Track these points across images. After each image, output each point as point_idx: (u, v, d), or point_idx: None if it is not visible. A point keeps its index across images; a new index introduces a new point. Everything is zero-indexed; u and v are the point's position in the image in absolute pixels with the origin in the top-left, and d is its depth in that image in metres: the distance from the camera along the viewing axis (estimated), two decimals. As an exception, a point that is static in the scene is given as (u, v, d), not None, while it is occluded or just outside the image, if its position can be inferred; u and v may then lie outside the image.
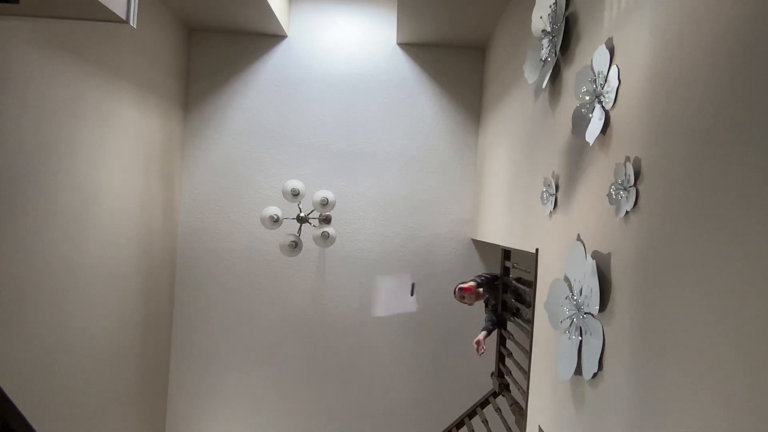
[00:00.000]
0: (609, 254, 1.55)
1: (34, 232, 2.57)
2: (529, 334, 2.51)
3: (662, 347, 1.21)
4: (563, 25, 2.02)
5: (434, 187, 4.46)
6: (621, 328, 1.44)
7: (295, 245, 3.97)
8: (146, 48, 3.64)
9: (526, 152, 2.72)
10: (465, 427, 3.87)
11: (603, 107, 1.61)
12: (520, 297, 3.14)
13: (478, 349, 3.39)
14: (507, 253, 3.53)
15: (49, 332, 2.74)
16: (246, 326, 4.44)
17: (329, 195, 4.04)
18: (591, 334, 1.59)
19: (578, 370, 1.65)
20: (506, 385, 3.51)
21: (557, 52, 2.06)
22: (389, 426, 4.46)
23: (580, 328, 1.65)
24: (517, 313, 3.21)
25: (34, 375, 2.65)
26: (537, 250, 2.38)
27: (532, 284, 2.47)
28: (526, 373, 2.57)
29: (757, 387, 0.89)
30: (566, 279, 1.81)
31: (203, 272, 4.42)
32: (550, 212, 2.15)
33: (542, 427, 2.18)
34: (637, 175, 1.39)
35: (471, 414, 3.87)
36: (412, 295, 3.72)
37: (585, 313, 1.63)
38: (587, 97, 1.69)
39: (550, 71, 2.13)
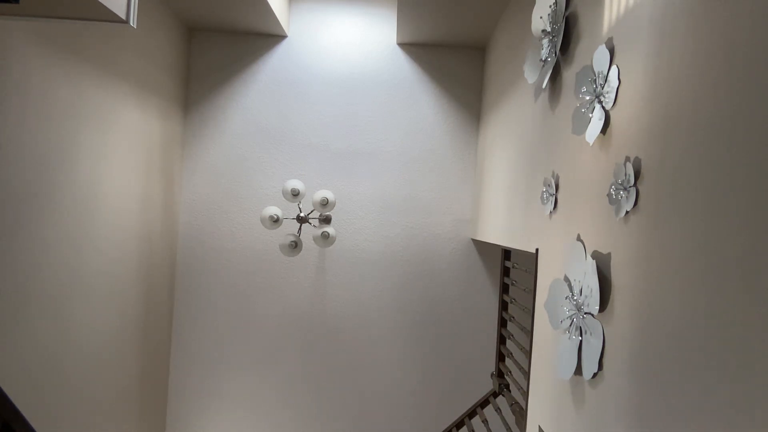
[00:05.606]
0: (609, 254, 1.55)
1: (34, 232, 2.57)
2: (529, 334, 2.51)
3: (662, 347, 1.22)
4: (563, 25, 2.02)
5: (434, 187, 4.47)
6: (621, 328, 1.44)
7: (295, 245, 3.97)
8: (146, 48, 3.64)
9: (526, 152, 2.72)
10: (465, 427, 3.87)
11: (603, 107, 1.61)
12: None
13: None
14: (507, 253, 3.54)
15: (49, 332, 2.74)
16: (246, 326, 4.45)
17: (329, 195, 4.04)
18: (591, 334, 1.59)
19: (578, 370, 1.65)
20: (506, 385, 3.51)
21: (557, 52, 2.06)
22: (389, 426, 4.47)
23: (580, 328, 1.65)
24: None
25: (34, 375, 2.65)
26: (537, 250, 2.39)
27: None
28: (526, 373, 2.57)
29: (756, 386, 0.89)
30: (566, 279, 1.81)
31: (203, 272, 4.43)
32: (550, 212, 2.16)
33: (542, 427, 2.18)
34: (637, 175, 1.39)
35: (471, 414, 3.88)
36: None
37: (585, 313, 1.63)
38: (587, 97, 1.69)
39: (550, 71, 2.13)
